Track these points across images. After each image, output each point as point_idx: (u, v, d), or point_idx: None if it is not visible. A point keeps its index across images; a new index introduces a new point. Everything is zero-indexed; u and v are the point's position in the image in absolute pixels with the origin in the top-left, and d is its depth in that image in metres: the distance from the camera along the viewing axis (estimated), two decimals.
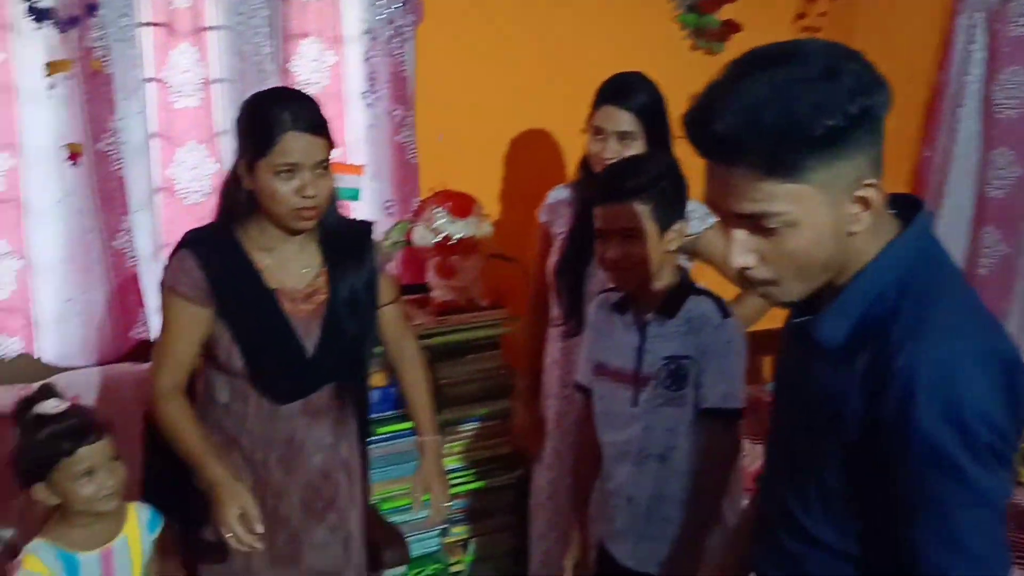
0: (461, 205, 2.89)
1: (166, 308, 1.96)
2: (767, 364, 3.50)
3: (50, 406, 1.92)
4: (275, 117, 1.84)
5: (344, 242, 2.05)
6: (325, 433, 2.08)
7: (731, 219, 1.16)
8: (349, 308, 2.03)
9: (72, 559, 1.88)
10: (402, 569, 2.75)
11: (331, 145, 1.93)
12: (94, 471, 1.87)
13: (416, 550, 2.83)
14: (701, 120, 1.13)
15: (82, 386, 2.49)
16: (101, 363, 2.62)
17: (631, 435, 1.98)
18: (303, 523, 2.06)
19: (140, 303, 2.63)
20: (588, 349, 2.13)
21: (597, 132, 2.34)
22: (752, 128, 1.08)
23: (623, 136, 2.31)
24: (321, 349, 2.01)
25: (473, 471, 2.96)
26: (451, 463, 2.91)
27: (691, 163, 1.34)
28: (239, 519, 1.80)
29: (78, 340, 2.61)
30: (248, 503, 1.83)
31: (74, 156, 2.49)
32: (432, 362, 2.81)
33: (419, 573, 2.88)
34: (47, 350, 2.59)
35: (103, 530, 1.93)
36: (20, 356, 2.55)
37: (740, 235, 1.16)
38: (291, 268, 2.00)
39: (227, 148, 2.74)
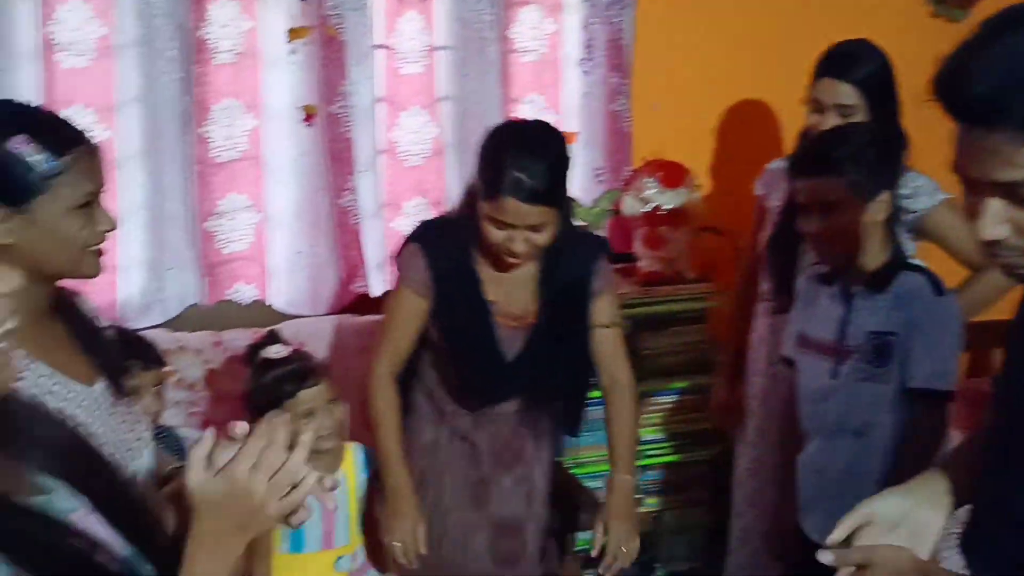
0: (673, 175, 2.86)
1: (394, 295, 2.06)
2: (996, 356, 3.26)
3: (275, 351, 2.07)
4: (502, 175, 1.83)
5: (565, 267, 2.03)
6: (514, 403, 2.16)
7: (985, 188, 1.08)
8: (555, 336, 2.06)
9: None
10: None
11: (556, 207, 1.89)
12: (314, 412, 2.01)
13: None
14: (955, 82, 1.05)
15: (307, 334, 2.67)
16: (324, 313, 2.79)
17: (827, 407, 1.94)
18: (492, 471, 2.14)
19: (361, 259, 2.78)
20: (794, 320, 2.08)
21: (816, 105, 2.26)
22: (1016, 90, 1.00)
23: (843, 109, 2.21)
24: (519, 362, 2.07)
25: (669, 444, 2.94)
26: (648, 434, 2.91)
27: (925, 136, 1.26)
28: (408, 535, 1.91)
29: (305, 290, 2.80)
30: (419, 525, 1.93)
31: (309, 117, 2.67)
32: (635, 332, 2.84)
33: None
34: (278, 298, 2.79)
35: (323, 466, 2.07)
36: (255, 303, 2.76)
37: (995, 205, 1.07)
38: (508, 286, 2.04)
39: (447, 113, 2.84)
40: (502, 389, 2.11)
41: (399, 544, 1.90)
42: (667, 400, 2.92)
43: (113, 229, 1.46)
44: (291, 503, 1.00)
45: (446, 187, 2.88)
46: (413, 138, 2.83)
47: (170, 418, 2.54)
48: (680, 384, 2.91)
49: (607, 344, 2.13)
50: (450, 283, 2.01)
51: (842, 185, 1.84)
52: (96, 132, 2.49)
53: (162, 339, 2.55)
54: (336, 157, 2.70)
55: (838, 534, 1.29)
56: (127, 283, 2.62)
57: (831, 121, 2.21)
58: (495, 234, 1.89)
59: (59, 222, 1.38)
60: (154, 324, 2.62)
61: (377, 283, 2.84)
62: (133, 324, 2.58)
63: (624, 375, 2.15)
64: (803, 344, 2.02)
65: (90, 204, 1.41)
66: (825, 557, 1.25)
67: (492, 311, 2.03)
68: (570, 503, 2.40)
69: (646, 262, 2.88)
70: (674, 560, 2.99)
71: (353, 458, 2.13)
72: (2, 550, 0.86)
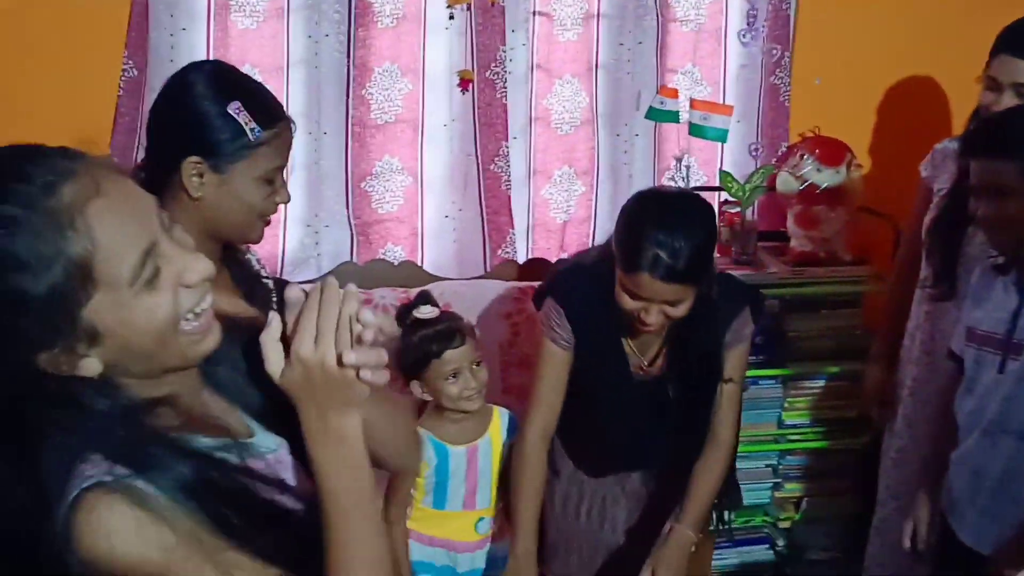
0: (832, 153, 2.76)
1: (542, 350, 2.04)
2: None
3: (425, 311, 2.11)
4: (640, 250, 1.76)
5: (702, 322, 1.91)
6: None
7: None
8: (679, 387, 2.00)
9: (443, 449, 2.08)
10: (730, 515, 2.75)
11: (696, 286, 1.82)
12: (459, 372, 2.05)
13: (746, 499, 2.81)
14: None
15: (452, 295, 2.72)
16: (470, 276, 2.83)
17: (987, 404, 1.84)
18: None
19: (510, 225, 2.80)
20: (963, 311, 1.98)
21: (991, 83, 2.14)
22: None
23: (1021, 88, 2.08)
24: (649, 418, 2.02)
25: (815, 430, 2.85)
26: (792, 418, 2.83)
27: None
28: None
29: (452, 254, 2.84)
30: None
31: (464, 83, 2.69)
32: (784, 313, 2.77)
33: (746, 522, 2.85)
34: (427, 259, 2.84)
35: (471, 428, 2.12)
36: (404, 263, 2.82)
37: None
38: (644, 340, 1.98)
39: (600, 82, 2.82)
40: (633, 450, 2.08)
41: None
42: (814, 385, 2.83)
43: (288, 202, 1.52)
44: (364, 356, 0.92)
45: (594, 158, 2.87)
46: (565, 106, 2.81)
47: None
48: (830, 369, 2.81)
49: (723, 398, 2.02)
50: (589, 336, 1.99)
51: (1018, 169, 1.74)
52: None
53: None
54: (488, 123, 2.72)
55: None
56: (286, 238, 2.72)
57: (1007, 101, 2.09)
58: (628, 303, 1.83)
59: (247, 189, 1.45)
60: (309, 279, 2.72)
61: (523, 249, 2.86)
62: (289, 278, 2.69)
63: (726, 434, 2.05)
64: (970, 337, 1.92)
65: (274, 176, 1.48)
66: None
67: (630, 364, 1.99)
68: None
69: (798, 242, 2.79)
70: (812, 548, 2.91)
71: (499, 421, 2.16)
72: (189, 496, 0.91)
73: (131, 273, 0.87)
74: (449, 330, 2.08)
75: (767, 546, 2.90)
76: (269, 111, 1.45)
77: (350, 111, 2.67)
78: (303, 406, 0.94)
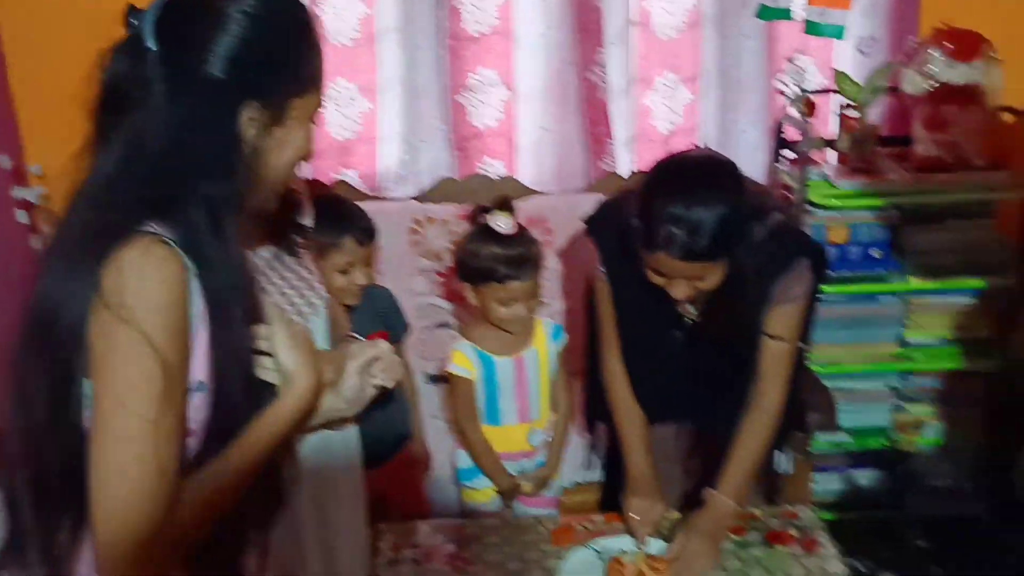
0: (966, 46, 2.48)
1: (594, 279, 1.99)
2: None
3: (501, 224, 2.00)
4: (654, 227, 1.61)
5: (731, 282, 1.73)
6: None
7: None
8: (712, 336, 1.88)
9: (489, 360, 2.05)
10: (839, 436, 2.62)
11: (721, 260, 1.66)
12: (515, 302, 1.98)
13: (862, 421, 2.66)
14: None
15: (551, 210, 2.67)
16: (572, 190, 2.77)
17: None
18: None
19: (609, 135, 2.71)
20: None
21: None
22: None
23: None
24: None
25: (941, 349, 2.65)
26: (916, 336, 2.64)
27: None
28: (646, 513, 1.83)
29: (552, 166, 2.78)
30: (657, 507, 1.84)
31: None
32: (904, 224, 2.56)
33: (860, 444, 2.70)
34: (526, 173, 2.80)
35: (516, 340, 2.06)
36: (505, 178, 2.78)
37: None
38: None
39: None
40: (662, 400, 1.99)
41: (636, 518, 1.85)
42: (941, 302, 2.61)
43: None
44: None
45: (701, 62, 2.72)
46: (667, 7, 2.67)
47: (417, 285, 2.68)
48: (957, 285, 2.58)
49: (769, 356, 1.86)
50: (623, 280, 1.89)
51: None
52: (356, 9, 2.61)
53: (412, 209, 2.68)
54: (585, 29, 2.62)
55: None
56: (385, 155, 2.74)
57: None
58: (653, 277, 1.70)
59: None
60: (409, 196, 2.74)
61: (625, 161, 2.76)
62: (388, 195, 2.72)
63: (773, 396, 1.87)
64: None
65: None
66: None
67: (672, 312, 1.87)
68: (803, 402, 2.25)
69: (924, 146, 2.55)
70: (935, 476, 2.73)
71: (543, 331, 2.09)
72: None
73: (319, 99, 1.12)
74: (521, 259, 1.97)
75: (883, 471, 2.75)
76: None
77: (443, 23, 2.63)
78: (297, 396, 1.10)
